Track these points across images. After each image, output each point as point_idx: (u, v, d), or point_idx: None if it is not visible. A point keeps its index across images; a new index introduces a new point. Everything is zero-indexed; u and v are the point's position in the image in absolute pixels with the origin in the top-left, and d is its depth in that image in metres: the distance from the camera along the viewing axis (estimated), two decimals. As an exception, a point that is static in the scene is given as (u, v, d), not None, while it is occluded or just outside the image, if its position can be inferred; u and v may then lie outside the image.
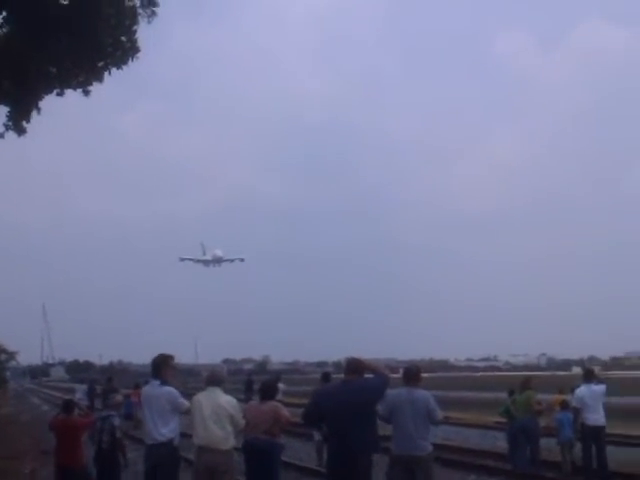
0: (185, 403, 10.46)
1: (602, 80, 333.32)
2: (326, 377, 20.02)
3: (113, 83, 14.68)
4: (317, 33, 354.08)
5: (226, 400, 10.18)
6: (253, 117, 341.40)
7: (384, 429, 10.10)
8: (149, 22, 13.31)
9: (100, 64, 13.50)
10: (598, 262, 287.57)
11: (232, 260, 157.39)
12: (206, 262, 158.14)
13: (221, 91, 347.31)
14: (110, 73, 13.65)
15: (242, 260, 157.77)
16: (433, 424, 10.36)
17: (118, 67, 13.56)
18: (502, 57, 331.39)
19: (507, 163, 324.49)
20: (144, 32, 13.47)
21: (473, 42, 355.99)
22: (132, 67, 13.64)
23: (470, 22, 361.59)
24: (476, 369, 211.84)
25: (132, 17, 13.13)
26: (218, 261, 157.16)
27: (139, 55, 13.51)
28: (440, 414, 10.43)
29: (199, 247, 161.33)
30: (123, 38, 13.27)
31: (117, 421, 13.00)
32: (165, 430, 10.33)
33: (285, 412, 11.27)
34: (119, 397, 15.16)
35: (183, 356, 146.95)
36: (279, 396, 28.46)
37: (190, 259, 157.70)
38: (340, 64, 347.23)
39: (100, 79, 13.76)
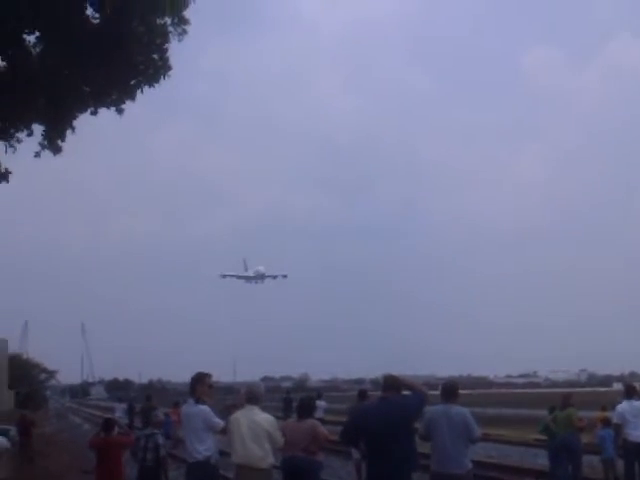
0: (220, 423, 10.47)
1: (630, 98, 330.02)
2: (363, 394, 19.95)
3: (145, 101, 14.82)
4: (349, 52, 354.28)
5: (264, 418, 10.15)
6: (285, 136, 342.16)
7: (423, 447, 10.08)
8: (180, 40, 13.41)
9: (132, 82, 13.58)
10: (637, 274, 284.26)
11: (275, 276, 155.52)
12: (248, 278, 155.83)
13: (252, 110, 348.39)
14: (142, 91, 13.76)
15: (285, 276, 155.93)
16: (471, 441, 10.28)
17: (150, 85, 13.64)
18: (529, 73, 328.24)
19: (536, 180, 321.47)
20: (175, 50, 13.59)
21: (501, 58, 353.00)
22: (164, 85, 13.77)
23: (497, 38, 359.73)
24: (515, 385, 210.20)
25: (163, 35, 13.20)
26: (261, 277, 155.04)
27: (171, 73, 13.60)
28: (478, 431, 10.34)
29: (241, 263, 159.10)
30: (155, 56, 13.36)
31: (161, 439, 13.07)
32: (202, 448, 10.39)
33: (323, 430, 11.28)
34: (161, 415, 15.23)
35: (222, 374, 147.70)
36: (321, 414, 28.78)
37: (232, 275, 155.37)
38: (371, 84, 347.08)
39: (133, 97, 13.86)
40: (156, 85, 13.75)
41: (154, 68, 13.48)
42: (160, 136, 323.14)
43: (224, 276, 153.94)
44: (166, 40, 13.35)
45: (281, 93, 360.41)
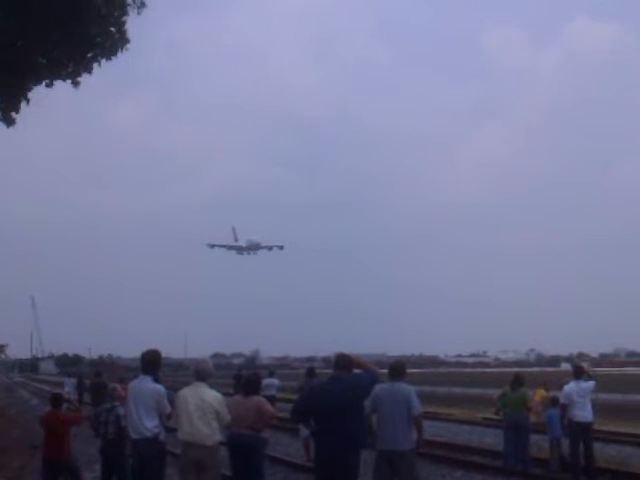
0: (169, 407, 10.41)
1: (589, 77, 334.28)
2: (311, 372, 20.11)
3: (104, 74, 14.66)
4: (309, 26, 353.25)
5: (211, 395, 10.14)
6: (245, 109, 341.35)
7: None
8: (139, 13, 13.27)
9: (89, 55, 13.43)
10: (589, 258, 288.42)
11: (270, 247, 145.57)
12: (240, 249, 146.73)
13: (212, 83, 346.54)
14: (100, 64, 13.59)
15: (281, 248, 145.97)
16: (411, 417, 10.33)
17: (107, 58, 13.50)
18: (491, 52, 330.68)
19: (496, 158, 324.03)
20: (134, 23, 13.44)
21: (464, 37, 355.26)
22: (122, 58, 13.63)
23: (460, 17, 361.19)
24: (465, 365, 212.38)
25: (121, 8, 13.07)
26: (255, 248, 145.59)
27: (129, 46, 13.45)
28: (419, 408, 10.42)
29: (230, 234, 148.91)
30: (112, 29, 13.21)
31: (122, 411, 12.96)
32: (151, 425, 10.31)
33: (269, 407, 11.33)
34: (120, 389, 15.11)
35: (173, 350, 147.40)
36: (273, 391, 28.81)
37: (222, 246, 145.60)
38: (333, 59, 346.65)
39: (89, 70, 13.72)
40: (114, 58, 13.61)
41: (112, 41, 13.34)
42: (119, 109, 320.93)
43: (212, 246, 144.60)
44: (124, 13, 13.22)
45: (242, 67, 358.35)
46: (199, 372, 10.47)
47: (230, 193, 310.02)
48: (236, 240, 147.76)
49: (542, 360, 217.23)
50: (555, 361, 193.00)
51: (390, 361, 11.70)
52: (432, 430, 25.77)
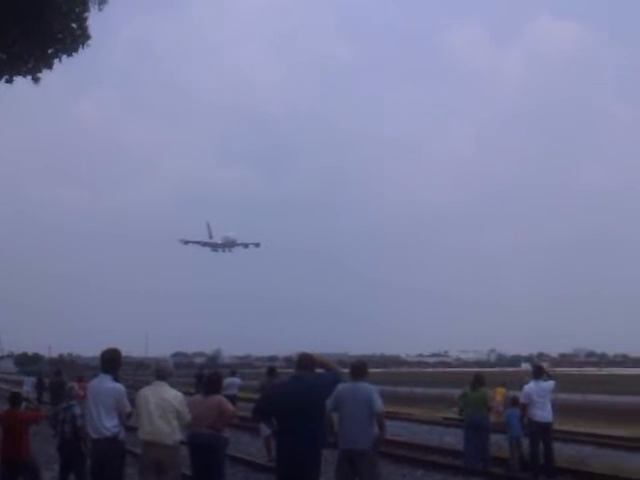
0: (129, 406, 10.38)
1: (552, 77, 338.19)
2: (272, 372, 20.12)
3: (65, 70, 14.54)
4: (271, 22, 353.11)
5: (172, 395, 10.10)
6: (207, 106, 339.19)
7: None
8: (100, 9, 13.16)
9: (50, 51, 13.28)
10: (550, 259, 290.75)
11: (246, 245, 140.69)
12: (215, 246, 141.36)
13: (174, 79, 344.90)
14: (60, 60, 13.47)
15: (257, 245, 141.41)
16: (373, 416, 10.34)
17: (68, 54, 13.37)
18: (454, 52, 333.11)
19: (461, 158, 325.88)
20: (95, 19, 13.33)
21: (427, 36, 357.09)
22: (83, 54, 13.50)
23: (424, 16, 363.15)
24: (427, 365, 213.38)
25: (83, 4, 12.93)
26: (230, 245, 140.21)
27: (90, 42, 13.33)
28: (381, 406, 10.43)
29: (204, 230, 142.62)
30: (73, 25, 13.06)
31: (78, 410, 12.85)
32: (110, 424, 10.24)
33: (230, 406, 11.38)
34: (77, 388, 14.99)
35: (134, 349, 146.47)
36: (234, 390, 28.74)
37: (196, 242, 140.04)
38: (293, 54, 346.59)
39: (50, 66, 13.57)
40: (75, 54, 13.48)
41: (72, 37, 13.19)
42: (80, 105, 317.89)
43: (186, 242, 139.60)
44: (85, 9, 13.08)
45: (204, 63, 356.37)
46: (159, 371, 10.42)
47: (191, 190, 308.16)
48: (211, 237, 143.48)
49: (503, 360, 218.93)
50: (515, 361, 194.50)
51: (352, 360, 11.72)
52: (393, 430, 25.79)
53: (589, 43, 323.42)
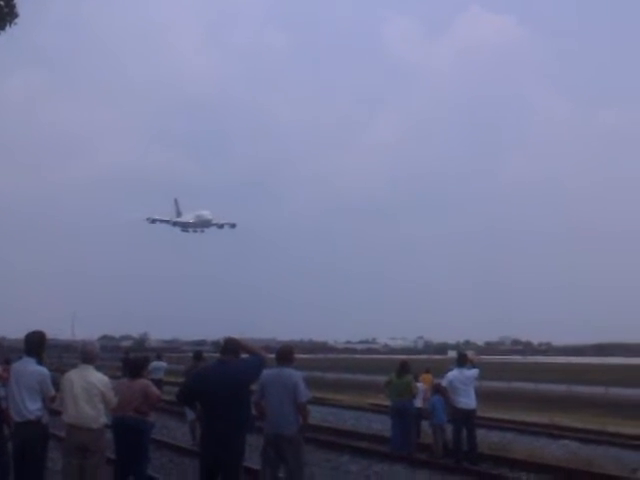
0: (52, 390, 10.23)
1: (480, 71, 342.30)
2: (198, 356, 20.13)
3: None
4: (207, 8, 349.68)
5: (97, 378, 9.96)
6: (140, 91, 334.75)
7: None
8: None
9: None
10: (474, 247, 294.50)
11: (221, 225, 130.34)
12: (186, 225, 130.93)
13: (106, 63, 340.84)
14: (-14, 38, 13.20)
15: (233, 226, 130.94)
16: (298, 403, 10.34)
17: (-5, 32, 13.11)
18: (387, 43, 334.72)
19: (391, 148, 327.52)
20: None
21: (361, 27, 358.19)
22: (11, 32, 13.23)
23: (356, 5, 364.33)
24: (355, 351, 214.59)
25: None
26: (204, 225, 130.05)
27: (17, 21, 13.07)
28: (307, 395, 10.43)
29: (172, 206, 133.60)
30: (0, 3, 12.83)
31: (2, 392, 12.61)
32: (34, 407, 10.10)
33: (155, 390, 11.39)
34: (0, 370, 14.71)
35: (60, 331, 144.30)
36: (160, 374, 28.59)
37: (164, 221, 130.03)
38: (226, 41, 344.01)
39: (-25, 44, 13.32)
40: (1, 32, 13.21)
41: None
42: (7, 85, 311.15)
43: (153, 221, 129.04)
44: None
45: (137, 47, 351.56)
46: (85, 354, 10.26)
47: (123, 174, 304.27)
48: (179, 214, 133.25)
49: (430, 347, 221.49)
50: (442, 349, 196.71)
51: (279, 346, 11.70)
52: (320, 415, 25.96)
53: (518, 35, 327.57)
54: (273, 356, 10.69)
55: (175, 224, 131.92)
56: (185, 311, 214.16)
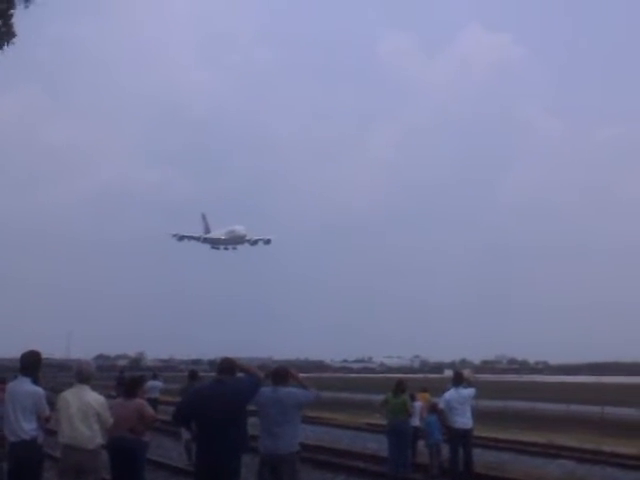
0: (47, 410, 10.24)
1: (478, 87, 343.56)
2: (193, 375, 20.07)
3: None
4: (202, 27, 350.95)
5: (94, 398, 9.94)
6: (135, 108, 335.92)
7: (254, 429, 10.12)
8: (26, 7, 13.00)
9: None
10: (471, 266, 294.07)
11: (255, 241, 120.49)
12: (217, 242, 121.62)
13: (102, 81, 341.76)
14: (-16, 56, 13.26)
15: (268, 242, 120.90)
16: (298, 416, 10.32)
17: (-7, 50, 13.17)
18: (384, 58, 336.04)
19: (386, 164, 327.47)
20: (21, 18, 13.15)
21: (358, 42, 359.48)
22: (8, 51, 13.30)
23: (353, 23, 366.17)
24: (351, 370, 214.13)
25: (8, 2, 12.78)
26: (237, 241, 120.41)
27: (15, 40, 13.14)
28: (314, 395, 10.41)
29: (199, 222, 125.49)
30: (-2, 22, 12.92)
31: None
32: (29, 427, 10.09)
33: (150, 410, 11.35)
34: None
35: (55, 350, 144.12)
36: (156, 394, 28.49)
37: (193, 237, 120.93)
38: (223, 58, 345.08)
39: (-27, 62, 13.38)
40: (-1, 51, 13.29)
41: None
42: (4, 102, 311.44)
43: (181, 238, 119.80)
44: (11, 6, 12.92)
45: (132, 64, 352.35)
46: (81, 374, 10.23)
47: (117, 191, 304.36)
48: (207, 230, 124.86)
49: (426, 366, 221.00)
50: (439, 368, 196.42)
51: (274, 365, 11.69)
52: (315, 435, 25.88)
53: (514, 53, 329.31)
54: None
55: (205, 240, 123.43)
56: (181, 330, 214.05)
